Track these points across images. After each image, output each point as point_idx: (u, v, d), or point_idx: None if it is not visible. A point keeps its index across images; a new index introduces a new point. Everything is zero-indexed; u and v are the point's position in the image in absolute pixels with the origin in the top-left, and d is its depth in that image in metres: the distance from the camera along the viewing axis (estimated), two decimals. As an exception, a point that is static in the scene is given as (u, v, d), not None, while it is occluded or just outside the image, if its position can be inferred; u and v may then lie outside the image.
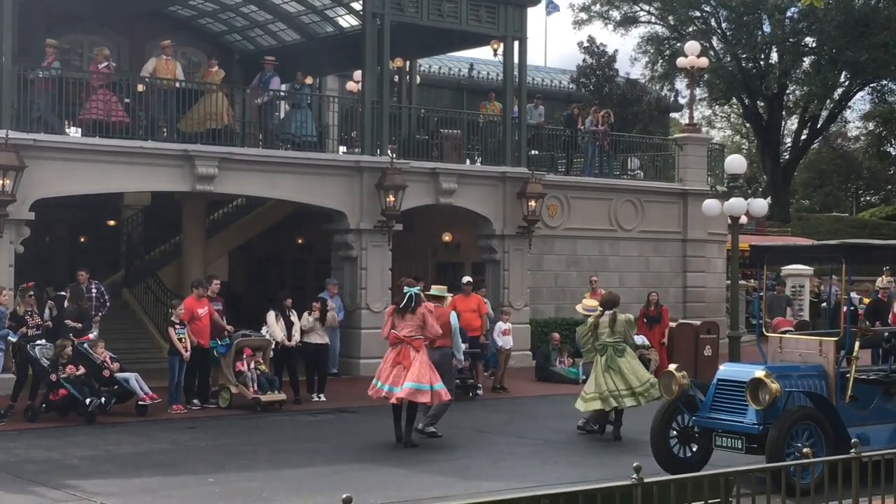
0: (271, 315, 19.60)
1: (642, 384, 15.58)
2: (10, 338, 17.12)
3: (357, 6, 25.81)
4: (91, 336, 18.53)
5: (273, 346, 19.41)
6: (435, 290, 16.51)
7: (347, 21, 27.77)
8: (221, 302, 20.03)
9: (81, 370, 17.23)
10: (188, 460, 14.13)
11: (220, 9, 28.73)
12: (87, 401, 16.89)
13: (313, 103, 28.02)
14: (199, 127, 22.37)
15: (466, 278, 22.88)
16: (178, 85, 22.31)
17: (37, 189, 20.19)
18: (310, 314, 19.87)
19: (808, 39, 50.70)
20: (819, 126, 54.80)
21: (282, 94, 24.23)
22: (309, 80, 30.22)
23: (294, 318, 19.69)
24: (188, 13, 29.32)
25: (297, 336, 19.61)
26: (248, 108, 23.99)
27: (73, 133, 21.01)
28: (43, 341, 17.60)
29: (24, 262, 20.72)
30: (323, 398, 19.80)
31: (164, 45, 22.77)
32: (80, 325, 18.38)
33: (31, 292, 18.29)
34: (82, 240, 29.83)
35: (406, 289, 15.17)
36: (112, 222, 28.95)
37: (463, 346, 20.66)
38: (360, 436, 16.21)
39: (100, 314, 20.31)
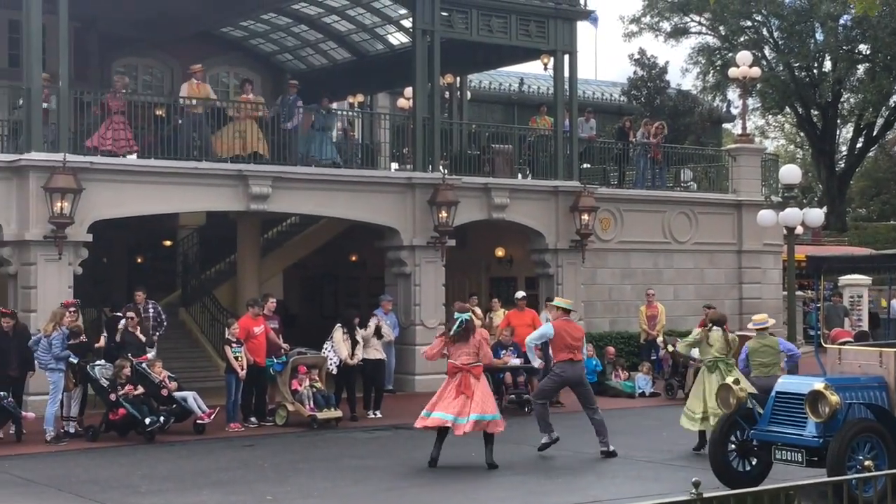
0: (339, 331, 19.66)
1: None
2: (71, 359, 17.32)
3: (407, 23, 25.93)
4: (149, 356, 18.72)
5: (338, 363, 19.46)
6: (561, 302, 16.39)
7: (398, 38, 27.94)
8: (278, 320, 20.15)
9: (140, 390, 17.41)
10: (246, 478, 14.21)
11: (271, 29, 29.02)
12: (147, 420, 17.05)
13: (364, 120, 28.30)
14: (229, 151, 22.37)
15: (520, 293, 22.85)
16: (206, 109, 22.35)
17: (94, 211, 20.46)
18: (364, 328, 19.95)
19: (862, 46, 50.18)
20: (875, 134, 54.15)
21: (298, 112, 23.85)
22: (360, 99, 30.50)
23: (359, 336, 19.73)
24: (239, 34, 29.64)
25: (359, 355, 19.62)
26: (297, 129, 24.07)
27: (129, 154, 21.24)
28: (102, 361, 17.79)
29: (83, 282, 20.99)
30: (379, 415, 19.85)
31: (195, 70, 22.93)
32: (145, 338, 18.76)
33: (73, 308, 18.40)
34: (139, 260, 30.18)
35: (457, 315, 15.08)
36: (168, 242, 29.26)
37: (518, 361, 20.71)
38: (416, 452, 16.18)
39: (157, 334, 20.51)
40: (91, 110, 21.11)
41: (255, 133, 22.49)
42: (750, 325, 17.10)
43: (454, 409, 14.59)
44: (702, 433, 15.60)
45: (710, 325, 15.91)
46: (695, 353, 16.64)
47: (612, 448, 15.59)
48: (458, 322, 14.89)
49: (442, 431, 14.86)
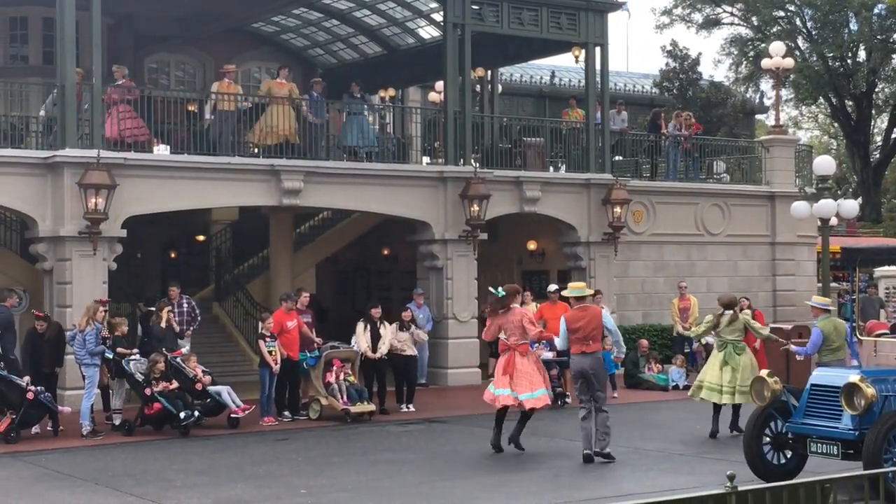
0: (360, 325, 19.68)
1: (745, 385, 15.53)
2: (106, 354, 17.46)
3: (438, 17, 25.95)
4: (183, 350, 18.83)
5: (359, 356, 19.48)
6: (574, 289, 15.33)
7: (428, 32, 27.96)
8: (311, 314, 20.19)
9: (174, 384, 17.52)
10: (280, 472, 14.28)
11: (302, 24, 29.11)
12: (182, 415, 17.15)
13: (395, 115, 28.34)
14: (267, 140, 22.46)
15: (553, 286, 22.78)
16: (240, 104, 22.43)
17: (128, 206, 20.58)
18: (398, 327, 19.94)
19: (897, 36, 49.78)
20: (910, 124, 53.69)
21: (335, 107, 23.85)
22: (391, 93, 30.54)
23: (383, 329, 19.71)
24: (271, 29, 29.75)
25: (382, 349, 19.53)
26: (331, 122, 24.14)
27: (162, 150, 21.36)
28: (137, 356, 17.93)
29: (117, 278, 21.13)
30: (412, 408, 19.86)
31: (227, 70, 23.05)
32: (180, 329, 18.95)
33: (106, 307, 18.55)
34: (173, 255, 30.35)
35: (494, 290, 15.29)
36: (201, 237, 29.40)
37: (550, 354, 20.64)
38: (450, 446, 16.23)
39: (191, 328, 20.62)
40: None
41: (290, 118, 22.50)
42: (813, 302, 17.00)
43: (504, 385, 14.96)
44: (715, 415, 16.41)
45: (722, 309, 16.39)
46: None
47: (607, 450, 14.43)
48: (493, 293, 15.18)
49: (500, 414, 15.10)
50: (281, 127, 22.45)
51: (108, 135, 20.79)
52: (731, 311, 16.39)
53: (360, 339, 19.46)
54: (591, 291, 15.85)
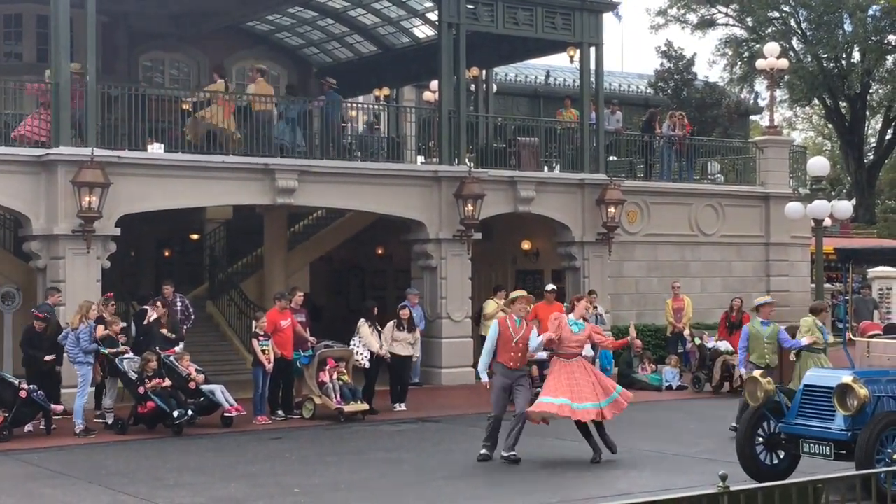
0: (364, 325, 19.63)
1: None
2: (101, 350, 17.45)
3: (433, 16, 25.94)
4: (177, 349, 18.80)
5: (369, 356, 19.42)
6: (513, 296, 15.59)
7: (423, 31, 27.96)
8: (305, 313, 20.18)
9: (168, 383, 17.50)
10: (273, 471, 14.27)
11: (297, 23, 29.10)
12: (175, 413, 17.13)
13: (390, 114, 28.36)
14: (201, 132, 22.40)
15: (550, 286, 22.76)
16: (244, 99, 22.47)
17: (122, 205, 20.56)
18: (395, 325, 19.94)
19: (892, 37, 49.79)
20: (904, 125, 53.75)
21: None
22: (386, 92, 30.57)
23: (379, 327, 19.71)
24: (266, 28, 29.73)
25: (385, 346, 19.59)
26: (327, 123, 24.09)
27: (156, 149, 21.32)
28: (130, 354, 17.91)
29: (111, 276, 21.09)
30: (404, 407, 19.86)
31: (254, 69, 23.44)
32: (173, 335, 18.78)
33: (112, 302, 18.60)
34: (166, 254, 30.31)
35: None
36: (195, 236, 29.37)
37: (545, 354, 20.61)
38: (443, 445, 16.23)
39: (185, 327, 20.59)
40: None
41: (219, 114, 22.34)
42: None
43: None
44: None
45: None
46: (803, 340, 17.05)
47: (489, 453, 14.48)
48: None
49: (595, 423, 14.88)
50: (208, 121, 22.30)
51: (22, 132, 20.56)
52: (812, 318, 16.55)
53: (371, 340, 19.36)
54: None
